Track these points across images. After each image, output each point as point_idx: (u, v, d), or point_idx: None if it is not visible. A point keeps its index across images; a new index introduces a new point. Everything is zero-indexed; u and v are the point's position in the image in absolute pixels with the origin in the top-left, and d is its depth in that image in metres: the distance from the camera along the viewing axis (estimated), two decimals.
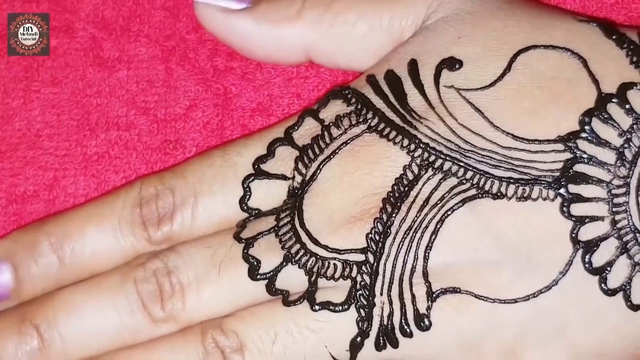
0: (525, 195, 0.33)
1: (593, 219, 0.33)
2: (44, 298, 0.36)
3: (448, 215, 0.34)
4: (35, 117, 0.40)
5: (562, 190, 0.33)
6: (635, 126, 0.33)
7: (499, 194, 0.34)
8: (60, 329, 0.35)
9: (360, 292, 0.34)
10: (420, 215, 0.34)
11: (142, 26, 0.41)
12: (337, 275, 0.34)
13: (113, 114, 0.40)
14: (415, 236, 0.34)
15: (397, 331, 0.34)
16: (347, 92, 0.36)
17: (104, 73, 0.41)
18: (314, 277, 0.34)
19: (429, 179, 0.34)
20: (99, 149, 0.40)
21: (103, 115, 0.40)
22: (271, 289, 0.35)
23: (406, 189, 0.34)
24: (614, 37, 0.35)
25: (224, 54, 0.41)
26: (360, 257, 0.34)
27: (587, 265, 0.33)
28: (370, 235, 0.34)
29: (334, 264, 0.34)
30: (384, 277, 0.34)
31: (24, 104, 0.40)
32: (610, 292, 0.33)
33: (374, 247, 0.34)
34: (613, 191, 0.33)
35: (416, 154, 0.34)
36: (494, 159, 0.34)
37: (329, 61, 0.38)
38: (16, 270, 0.36)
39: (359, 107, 0.36)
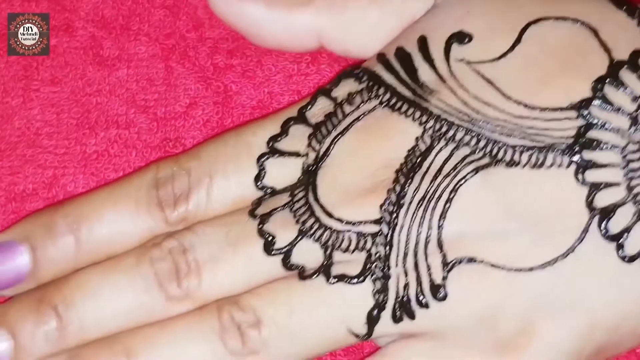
0: (539, 163, 0.33)
1: (608, 185, 0.33)
2: (61, 280, 0.36)
3: (461, 184, 0.34)
4: (34, 115, 0.40)
5: (575, 157, 0.33)
6: None
7: (512, 162, 0.33)
8: (78, 309, 0.35)
9: (375, 263, 0.34)
10: (433, 185, 0.34)
11: (141, 25, 0.41)
12: (352, 247, 0.34)
13: (113, 113, 0.41)
14: (429, 206, 0.34)
15: (413, 303, 0.34)
16: (358, 71, 0.36)
17: (103, 72, 0.41)
18: (329, 251, 0.34)
19: (441, 149, 0.34)
20: (98, 148, 0.40)
21: (103, 114, 0.41)
22: (287, 263, 0.35)
23: (419, 159, 0.34)
24: (624, 7, 0.35)
25: (224, 52, 0.41)
26: (374, 229, 0.34)
27: (603, 231, 0.33)
28: (384, 207, 0.34)
29: (349, 237, 0.34)
30: (398, 248, 0.34)
31: (23, 102, 0.41)
32: (629, 259, 0.33)
33: (388, 218, 0.34)
34: (628, 156, 0.33)
35: (428, 125, 0.34)
36: (507, 127, 0.34)
37: (340, 47, 0.38)
38: (34, 252, 0.36)
39: (371, 84, 0.36)
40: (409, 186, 0.34)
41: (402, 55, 0.36)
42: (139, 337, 0.35)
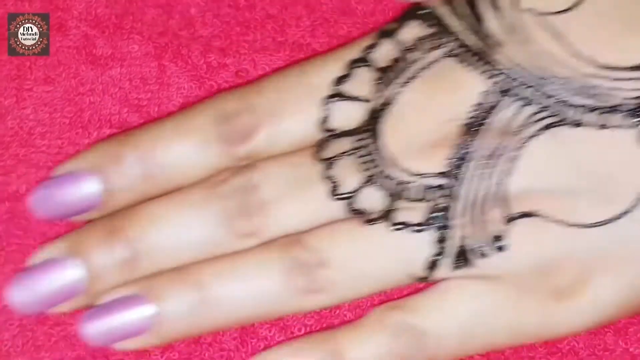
0: (604, 123, 0.34)
1: None
2: (131, 210, 0.37)
3: (526, 142, 0.34)
4: (27, 115, 0.40)
5: (637, 120, 0.34)
6: None
7: (577, 122, 0.34)
8: (147, 240, 0.36)
9: (438, 213, 0.35)
10: (499, 142, 0.34)
11: (135, 23, 0.41)
12: (415, 197, 0.35)
13: (106, 112, 0.40)
14: (494, 162, 0.34)
15: (473, 252, 0.35)
16: (423, 12, 0.36)
17: (97, 71, 0.41)
18: (393, 199, 0.35)
19: (508, 106, 0.35)
20: None
21: (96, 113, 0.40)
22: (351, 208, 0.36)
23: (485, 115, 0.35)
24: None
25: (216, 51, 0.40)
26: (439, 181, 0.35)
27: None
28: (449, 160, 0.35)
29: (413, 187, 0.35)
30: (461, 200, 0.35)
31: (16, 102, 0.40)
32: None
33: (454, 172, 0.35)
34: None
35: (494, 81, 0.35)
36: (574, 86, 0.34)
37: None
38: (104, 181, 0.37)
39: (437, 30, 0.36)
40: (474, 142, 0.35)
41: (470, 1, 0.36)
42: (210, 270, 0.36)
